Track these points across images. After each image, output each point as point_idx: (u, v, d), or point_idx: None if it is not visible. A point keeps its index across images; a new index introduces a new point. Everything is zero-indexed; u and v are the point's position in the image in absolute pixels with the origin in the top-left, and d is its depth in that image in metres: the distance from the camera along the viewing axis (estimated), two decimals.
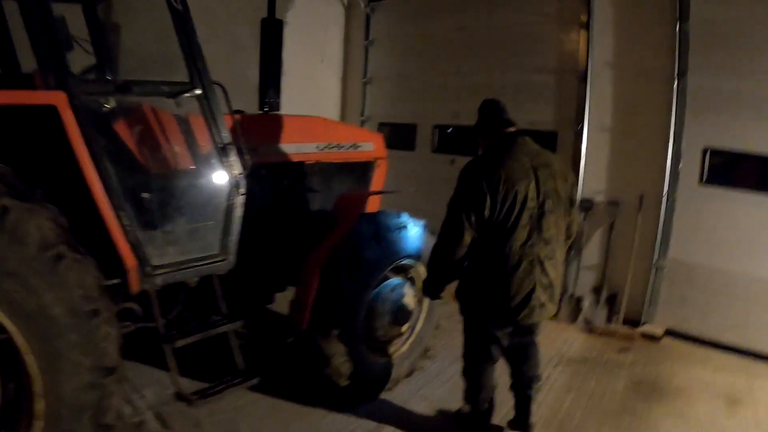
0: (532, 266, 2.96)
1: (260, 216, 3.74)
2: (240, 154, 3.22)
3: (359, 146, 4.46)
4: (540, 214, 2.97)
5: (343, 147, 4.31)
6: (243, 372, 3.30)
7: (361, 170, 4.58)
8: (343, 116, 8.09)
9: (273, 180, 3.89)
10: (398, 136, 7.57)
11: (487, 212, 2.88)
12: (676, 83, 5.26)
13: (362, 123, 7.89)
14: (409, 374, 4.20)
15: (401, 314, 3.87)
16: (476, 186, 2.90)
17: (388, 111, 7.78)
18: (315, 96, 7.65)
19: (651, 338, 5.49)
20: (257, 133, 3.66)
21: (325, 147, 4.18)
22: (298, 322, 3.54)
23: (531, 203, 2.92)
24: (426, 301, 4.15)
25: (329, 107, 7.98)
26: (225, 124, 3.16)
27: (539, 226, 2.96)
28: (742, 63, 5.01)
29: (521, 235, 2.92)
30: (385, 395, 3.96)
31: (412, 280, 4.07)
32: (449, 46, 7.00)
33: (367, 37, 7.78)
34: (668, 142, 5.35)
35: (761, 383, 4.67)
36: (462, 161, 6.66)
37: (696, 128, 5.29)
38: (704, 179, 5.35)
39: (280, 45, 4.01)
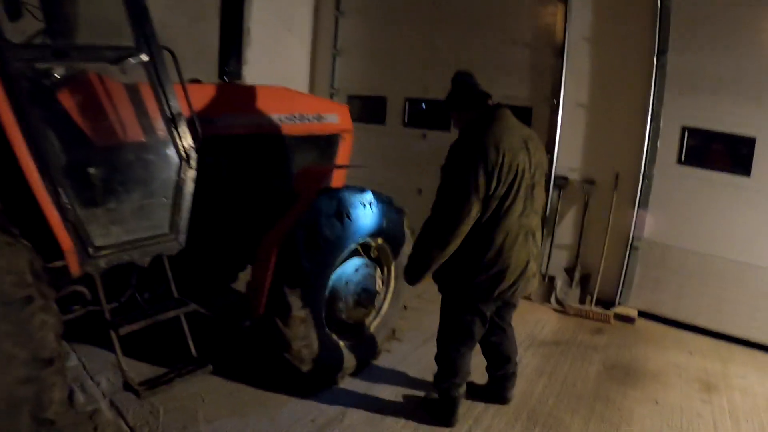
0: (527, 237, 2.99)
1: (216, 192, 3.54)
2: (191, 125, 2.98)
3: (323, 118, 4.23)
4: (532, 185, 2.96)
5: (306, 119, 4.07)
6: (196, 359, 3.13)
7: (326, 143, 4.36)
8: (312, 88, 7.81)
9: (230, 153, 3.67)
10: (368, 110, 7.39)
11: (494, 184, 2.78)
12: (655, 60, 5.11)
13: (331, 95, 7.64)
14: (375, 357, 4.02)
15: (365, 295, 3.66)
16: (484, 157, 2.75)
17: (358, 83, 7.53)
18: (283, 67, 7.36)
19: (625, 320, 5.40)
20: (214, 104, 3.47)
21: (287, 118, 3.96)
22: (255, 305, 3.33)
23: (527, 174, 2.89)
24: (392, 281, 3.97)
25: (298, 79, 7.70)
26: (174, 93, 2.91)
27: (531, 197, 2.97)
28: (723, 42, 4.88)
29: (518, 206, 2.90)
30: (349, 380, 3.78)
31: (377, 260, 3.86)
32: (422, 17, 6.75)
33: (337, 7, 7.47)
34: (646, 120, 5.21)
35: (735, 369, 4.60)
36: (433, 136, 6.75)
37: (675, 107, 5.16)
38: (682, 159, 5.23)
39: (241, 11, 3.73)
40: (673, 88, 5.13)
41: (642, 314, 5.50)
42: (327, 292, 3.52)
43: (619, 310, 5.48)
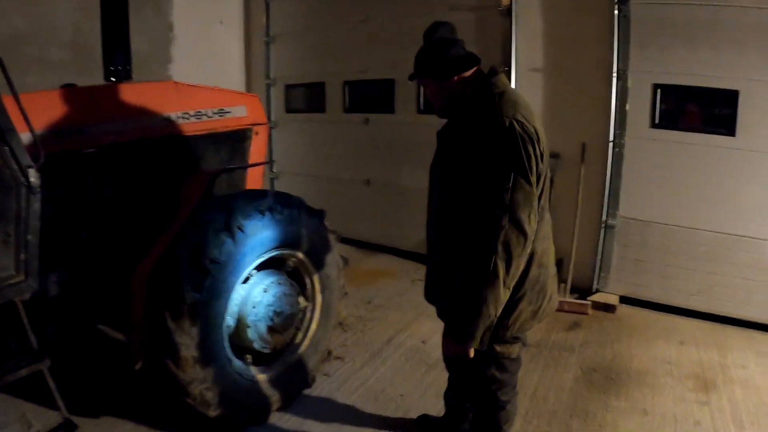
0: (551, 244, 2.31)
1: (85, 216, 2.96)
2: (32, 142, 2.38)
3: (228, 112, 3.61)
4: (551, 179, 2.17)
5: (204, 115, 3.44)
6: (66, 423, 2.52)
7: (233, 142, 3.73)
8: (249, 80, 7.29)
9: (105, 167, 3.05)
10: (307, 98, 6.88)
11: (536, 178, 1.94)
12: (616, 11, 4.52)
13: (268, 86, 7.08)
14: (308, 386, 3.38)
15: (280, 320, 3.02)
16: (530, 140, 1.91)
17: (295, 71, 6.94)
18: (215, 61, 6.81)
19: (605, 308, 4.82)
20: (88, 110, 2.94)
21: (180, 117, 3.33)
22: (138, 347, 2.72)
23: (548, 164, 2.11)
24: (318, 296, 3.33)
25: (232, 72, 7.17)
26: (3, 105, 2.29)
27: (550, 195, 2.20)
28: None
29: (547, 205, 2.18)
30: (278, 416, 3.16)
31: (295, 273, 3.22)
32: None
33: None
34: (611, 80, 4.62)
35: (734, 357, 4.03)
36: (377, 120, 5.93)
37: (643, 63, 4.56)
38: (656, 122, 4.63)
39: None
40: (639, 41, 4.54)
41: (624, 300, 4.95)
42: (230, 321, 2.89)
43: (597, 297, 4.90)
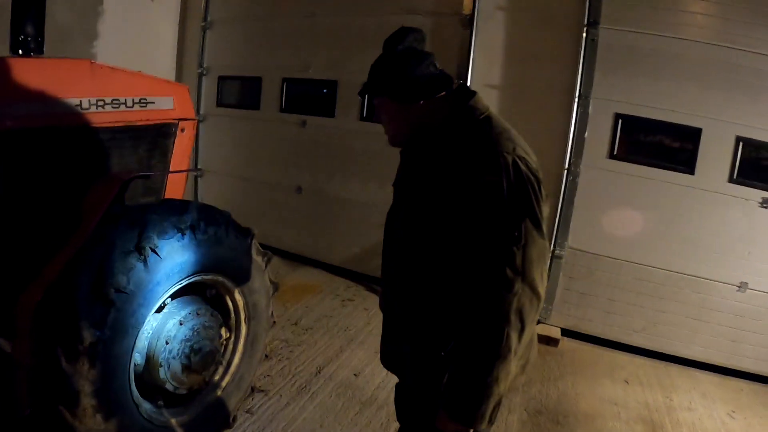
0: None
1: None
2: None
3: (151, 102, 3.04)
4: None
5: (122, 104, 2.89)
6: None
7: (154, 138, 3.17)
8: (180, 68, 6.64)
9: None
10: (242, 93, 6.36)
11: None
12: (585, 33, 4.30)
13: (200, 76, 6.47)
14: (229, 427, 2.94)
15: (198, 357, 2.57)
16: (536, 192, 1.53)
17: (231, 62, 6.37)
18: (145, 43, 6.17)
19: (547, 341, 4.59)
20: None
21: (94, 104, 2.76)
22: (27, 391, 2.19)
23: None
24: (243, 326, 2.88)
25: (163, 57, 6.50)
26: None
27: None
28: (663, 16, 4.17)
29: None
30: None
31: (215, 300, 2.78)
32: None
33: None
34: (572, 105, 4.41)
35: (680, 398, 3.94)
36: (314, 123, 5.46)
37: (606, 90, 4.37)
38: (614, 153, 4.46)
39: None
40: (605, 68, 4.34)
41: (566, 333, 4.75)
42: (139, 359, 2.43)
43: (540, 329, 4.64)
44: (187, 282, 2.49)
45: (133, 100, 2.94)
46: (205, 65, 6.44)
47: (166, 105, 3.15)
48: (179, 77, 6.57)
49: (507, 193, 1.49)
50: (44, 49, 2.86)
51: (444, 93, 1.71)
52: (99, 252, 2.18)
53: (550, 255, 4.63)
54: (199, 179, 6.61)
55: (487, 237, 1.51)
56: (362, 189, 5.44)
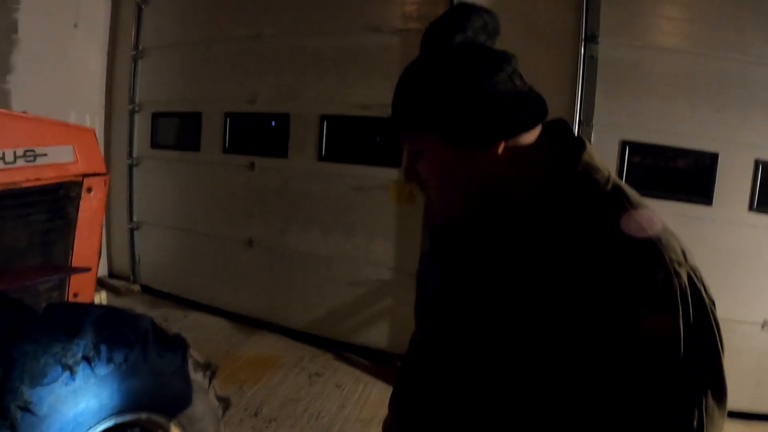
0: None
1: None
2: None
3: (41, 155, 2.26)
4: None
5: (0, 159, 2.10)
6: None
7: (50, 203, 2.37)
8: (109, 104, 5.78)
9: None
10: (179, 131, 5.59)
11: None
12: (582, 50, 3.70)
13: (131, 113, 5.63)
14: None
15: None
16: (720, 336, 0.86)
17: (167, 95, 5.55)
18: (67, 76, 5.34)
19: None
20: None
21: None
22: None
23: None
24: None
25: (90, 92, 5.66)
26: None
27: None
28: (671, 28, 3.66)
29: None
30: None
31: None
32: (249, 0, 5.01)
33: None
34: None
35: None
36: (264, 165, 4.69)
37: (611, 114, 3.77)
38: None
39: None
40: (607, 89, 3.75)
41: None
42: None
43: None
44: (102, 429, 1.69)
45: (14, 153, 2.16)
46: (137, 100, 5.60)
47: (64, 157, 2.37)
48: (109, 114, 5.73)
49: (685, 347, 0.81)
50: None
51: (538, 134, 0.99)
52: None
53: None
54: (135, 232, 5.70)
55: (634, 419, 0.83)
56: (324, 241, 4.64)
